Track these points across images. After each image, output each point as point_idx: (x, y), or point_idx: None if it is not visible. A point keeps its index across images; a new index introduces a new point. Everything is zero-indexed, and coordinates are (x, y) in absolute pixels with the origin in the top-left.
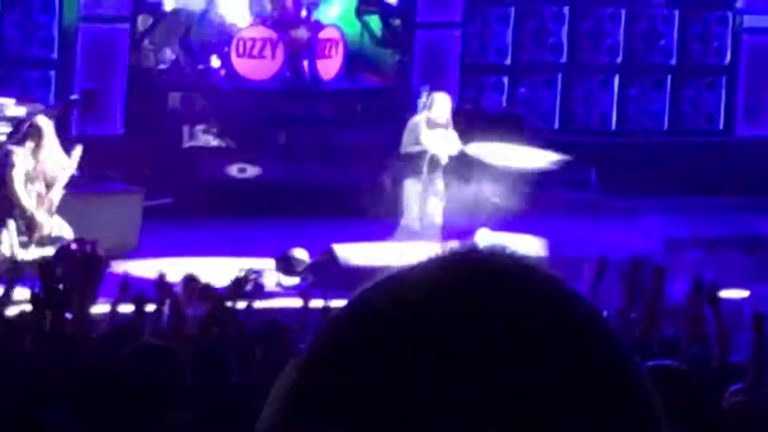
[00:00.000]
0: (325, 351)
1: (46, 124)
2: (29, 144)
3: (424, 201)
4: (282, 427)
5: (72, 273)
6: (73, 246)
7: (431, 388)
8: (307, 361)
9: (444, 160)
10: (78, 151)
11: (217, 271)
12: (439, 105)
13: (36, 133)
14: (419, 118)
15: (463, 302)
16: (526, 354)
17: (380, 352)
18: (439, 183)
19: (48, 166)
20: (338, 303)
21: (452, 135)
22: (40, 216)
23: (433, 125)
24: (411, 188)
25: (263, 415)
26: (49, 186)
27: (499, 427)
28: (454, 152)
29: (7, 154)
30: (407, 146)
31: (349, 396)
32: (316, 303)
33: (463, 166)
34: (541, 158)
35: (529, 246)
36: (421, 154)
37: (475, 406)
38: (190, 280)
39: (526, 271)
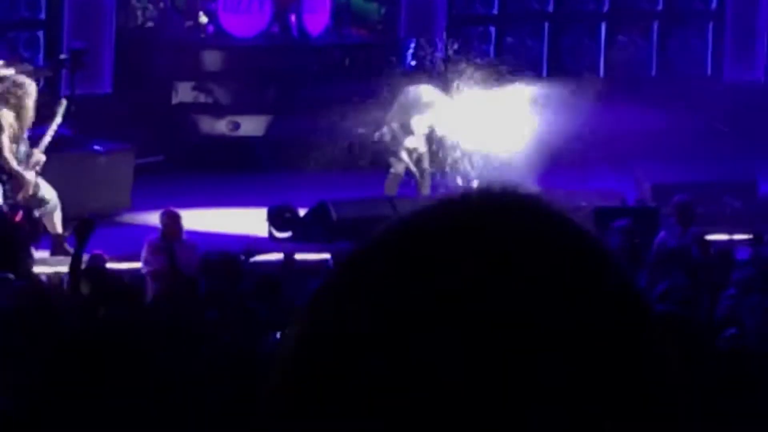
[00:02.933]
0: (345, 276)
1: (29, 83)
2: (13, 103)
3: (412, 158)
4: (302, 347)
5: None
6: (4, 207)
7: (446, 311)
8: (329, 283)
9: (420, 149)
10: (62, 105)
11: (210, 225)
12: (427, 96)
13: (20, 92)
14: (413, 98)
15: (472, 235)
16: (537, 283)
17: (396, 277)
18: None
19: (29, 123)
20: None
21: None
22: (29, 176)
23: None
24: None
25: (284, 339)
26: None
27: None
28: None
29: None
30: (393, 119)
31: (365, 318)
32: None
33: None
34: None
35: None
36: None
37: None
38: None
39: (537, 204)
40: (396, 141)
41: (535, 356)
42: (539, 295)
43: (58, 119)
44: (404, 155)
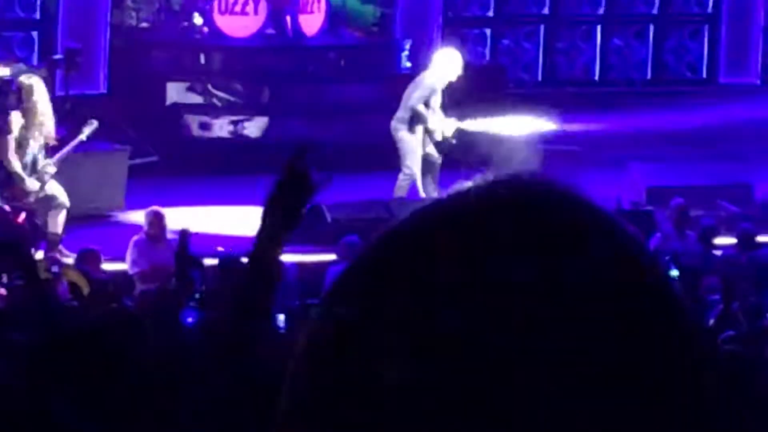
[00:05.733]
0: (379, 256)
1: (37, 82)
2: (23, 106)
3: (421, 153)
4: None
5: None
6: (7, 208)
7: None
8: (344, 278)
9: (438, 137)
10: (92, 126)
11: (204, 226)
12: (456, 65)
13: (27, 94)
14: (434, 80)
15: (496, 222)
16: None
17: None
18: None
19: (44, 128)
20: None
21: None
22: (29, 183)
23: (442, 86)
24: (410, 139)
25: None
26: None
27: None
28: (449, 133)
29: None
30: (418, 102)
31: (385, 310)
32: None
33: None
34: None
35: None
36: (424, 121)
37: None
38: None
39: (564, 194)
40: (418, 122)
41: (575, 343)
42: (581, 285)
43: (83, 137)
44: (414, 149)
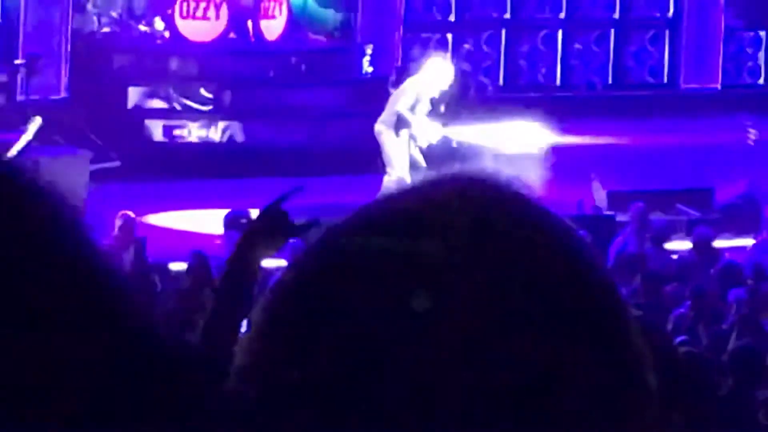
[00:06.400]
0: (297, 274)
1: None
2: None
3: (407, 156)
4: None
5: None
6: None
7: (396, 316)
8: (281, 284)
9: (422, 143)
10: (36, 122)
11: (165, 229)
12: (446, 75)
13: None
14: (422, 87)
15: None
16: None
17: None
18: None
19: None
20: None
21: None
22: None
23: (428, 95)
24: (393, 143)
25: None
26: None
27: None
28: (435, 140)
29: None
30: (403, 107)
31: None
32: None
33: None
34: (531, 140)
35: None
36: (408, 126)
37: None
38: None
39: (503, 191)
40: (402, 126)
41: (494, 337)
42: (506, 274)
43: (29, 136)
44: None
